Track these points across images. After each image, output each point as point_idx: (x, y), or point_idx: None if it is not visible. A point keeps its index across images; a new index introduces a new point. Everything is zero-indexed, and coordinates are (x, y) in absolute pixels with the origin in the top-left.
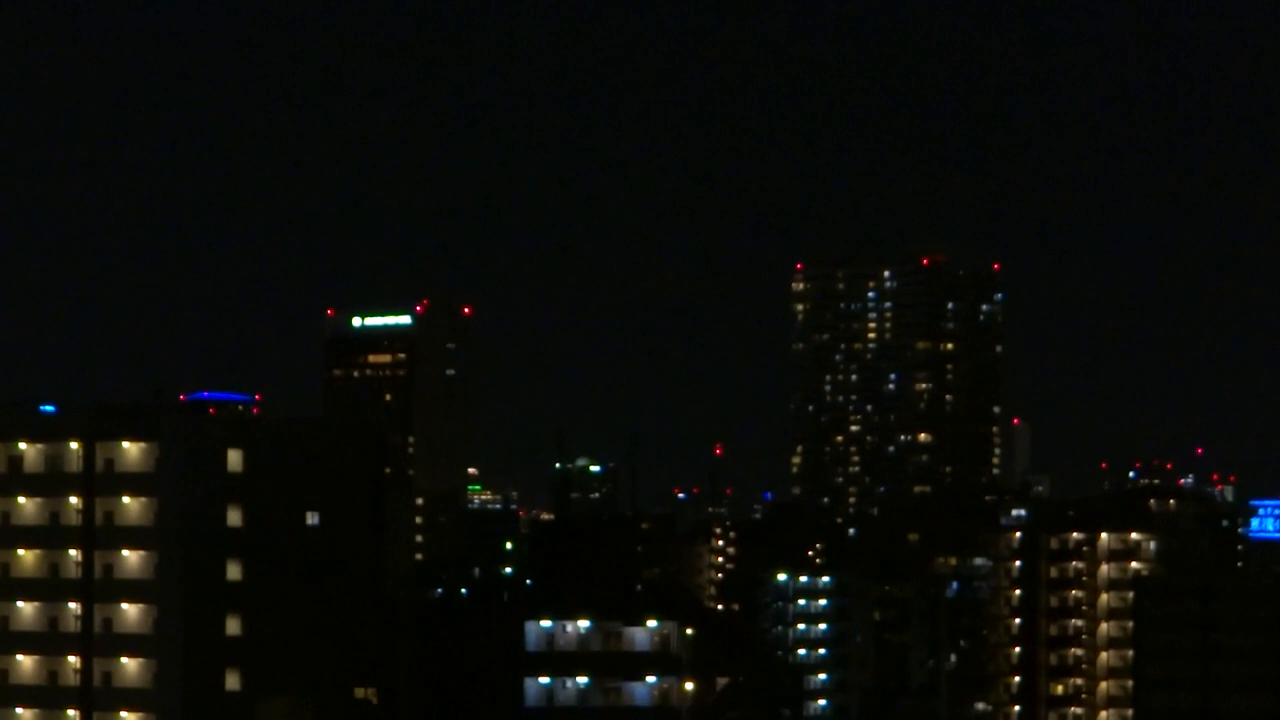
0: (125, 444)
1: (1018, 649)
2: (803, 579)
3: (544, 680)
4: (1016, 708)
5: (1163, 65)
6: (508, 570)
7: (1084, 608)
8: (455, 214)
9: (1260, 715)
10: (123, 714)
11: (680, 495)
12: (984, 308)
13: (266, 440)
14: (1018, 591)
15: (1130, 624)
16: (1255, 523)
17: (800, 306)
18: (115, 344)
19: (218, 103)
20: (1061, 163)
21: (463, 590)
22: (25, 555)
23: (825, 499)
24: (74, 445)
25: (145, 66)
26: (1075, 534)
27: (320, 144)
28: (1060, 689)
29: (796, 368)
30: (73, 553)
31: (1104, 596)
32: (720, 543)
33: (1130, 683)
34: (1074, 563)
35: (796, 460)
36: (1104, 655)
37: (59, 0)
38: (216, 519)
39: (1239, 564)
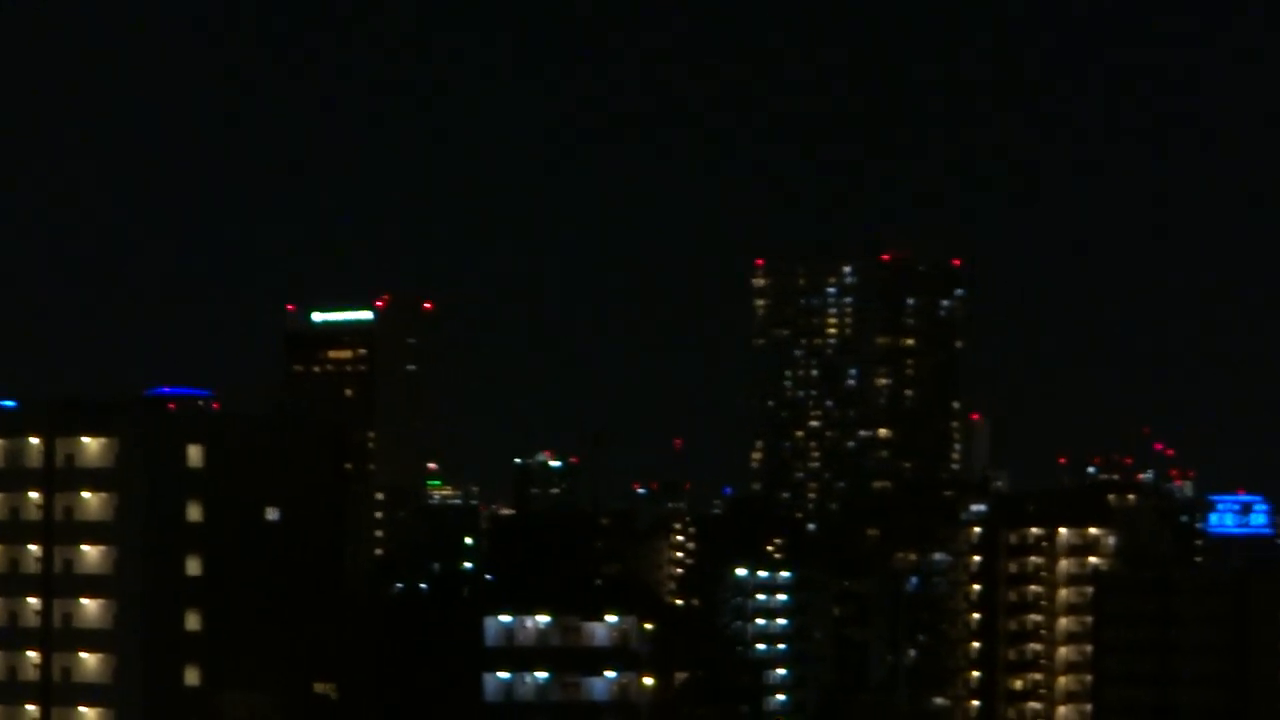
0: (85, 439)
1: (977, 644)
2: (762, 574)
3: (503, 675)
4: (975, 703)
5: (1122, 58)
6: (468, 565)
7: (1043, 603)
8: (416, 209)
9: (1218, 710)
10: (82, 709)
11: (640, 490)
12: (944, 303)
13: (227, 436)
14: (977, 586)
15: (1089, 619)
16: (1214, 518)
17: (760, 302)
18: (76, 339)
19: (176, 96)
20: (1023, 158)
21: (423, 585)
22: None
23: (785, 494)
24: (34, 440)
25: (99, 57)
26: (1034, 529)
27: (281, 139)
28: (1019, 684)
29: (756, 363)
30: (32, 548)
31: (1063, 591)
32: (680, 538)
33: (1089, 677)
34: (1033, 558)
35: (756, 455)
36: (1062, 650)
37: None
38: (177, 514)
39: (1197, 559)
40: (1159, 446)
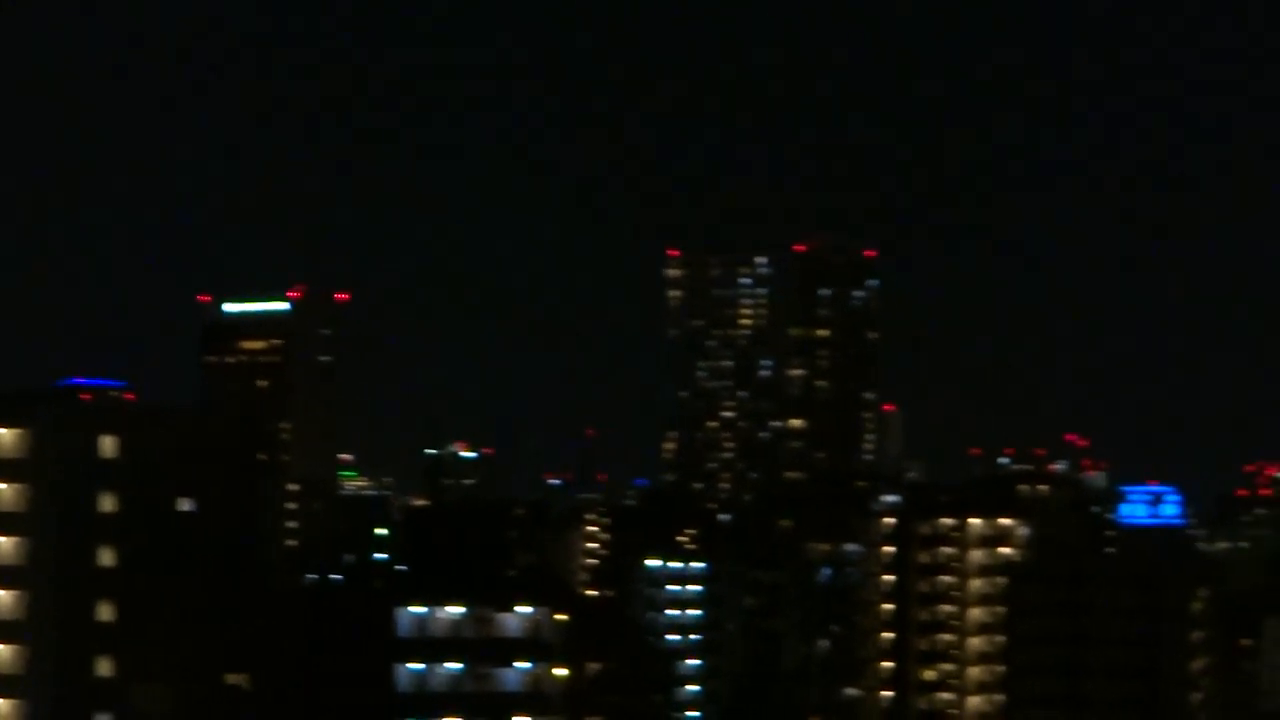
0: None
1: (889, 635)
2: (675, 565)
3: (416, 666)
4: (888, 693)
5: (1032, 50)
6: (381, 556)
7: (955, 593)
8: (329, 200)
9: (1129, 701)
10: None
11: (553, 481)
12: (857, 294)
13: (141, 427)
14: (889, 577)
15: (1001, 609)
16: (1125, 508)
17: (674, 293)
18: None
19: (89, 86)
20: (935, 149)
21: (336, 576)
22: None
23: (698, 485)
24: None
25: (9, 45)
26: (946, 520)
27: (196, 129)
28: (931, 674)
29: (670, 354)
30: None
31: (975, 582)
32: (593, 529)
33: (1001, 668)
34: (945, 548)
35: (670, 446)
36: (974, 641)
37: None
38: (90, 505)
39: (1109, 550)
40: (1071, 437)
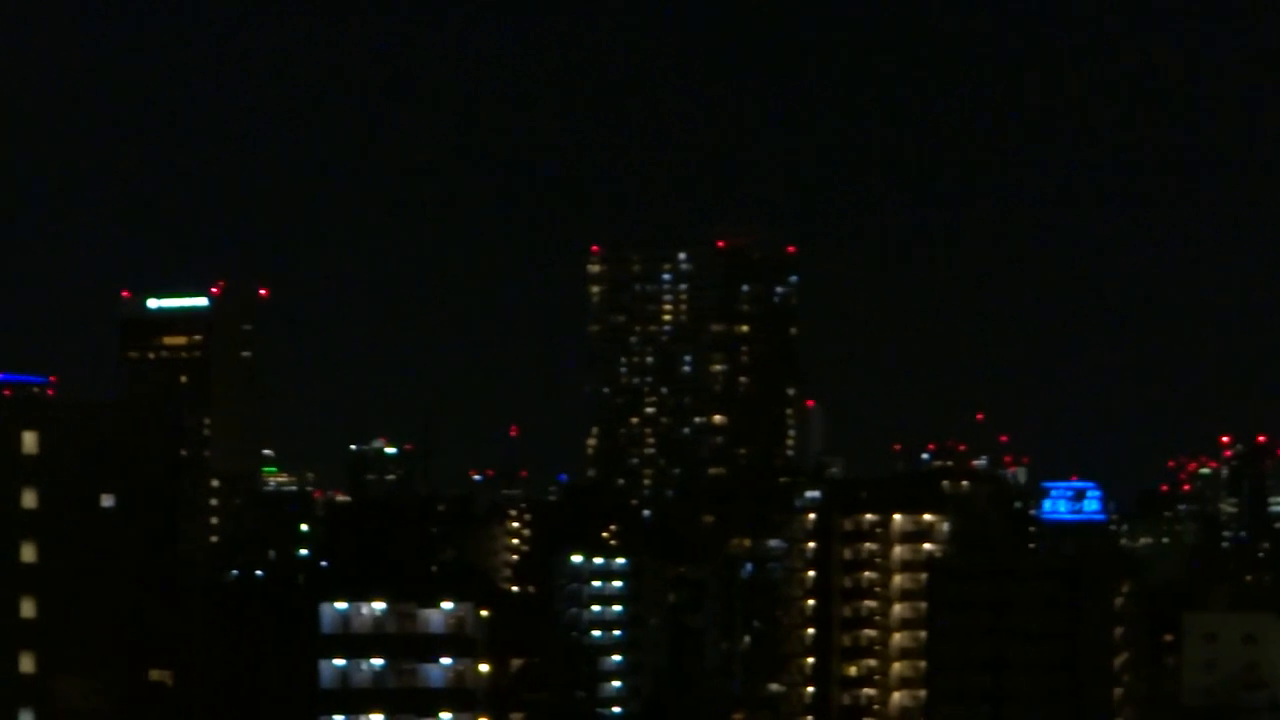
0: None
1: (812, 630)
2: (597, 561)
3: (339, 662)
4: (810, 689)
5: (949, 46)
6: (303, 552)
7: (877, 589)
8: (250, 195)
9: (1051, 695)
10: None
11: (476, 477)
12: (778, 290)
13: (61, 422)
14: (811, 573)
15: (923, 605)
16: (1047, 504)
17: (596, 289)
18: None
19: (9, 81)
20: (854, 145)
21: (258, 572)
22: None
23: (620, 481)
24: None
25: None
26: (869, 515)
27: (115, 124)
28: (854, 670)
29: (592, 350)
30: None
31: (897, 578)
32: (516, 525)
33: (923, 663)
34: (867, 544)
35: (592, 442)
36: (897, 636)
37: None
38: (10, 501)
39: (1031, 545)
40: (995, 434)
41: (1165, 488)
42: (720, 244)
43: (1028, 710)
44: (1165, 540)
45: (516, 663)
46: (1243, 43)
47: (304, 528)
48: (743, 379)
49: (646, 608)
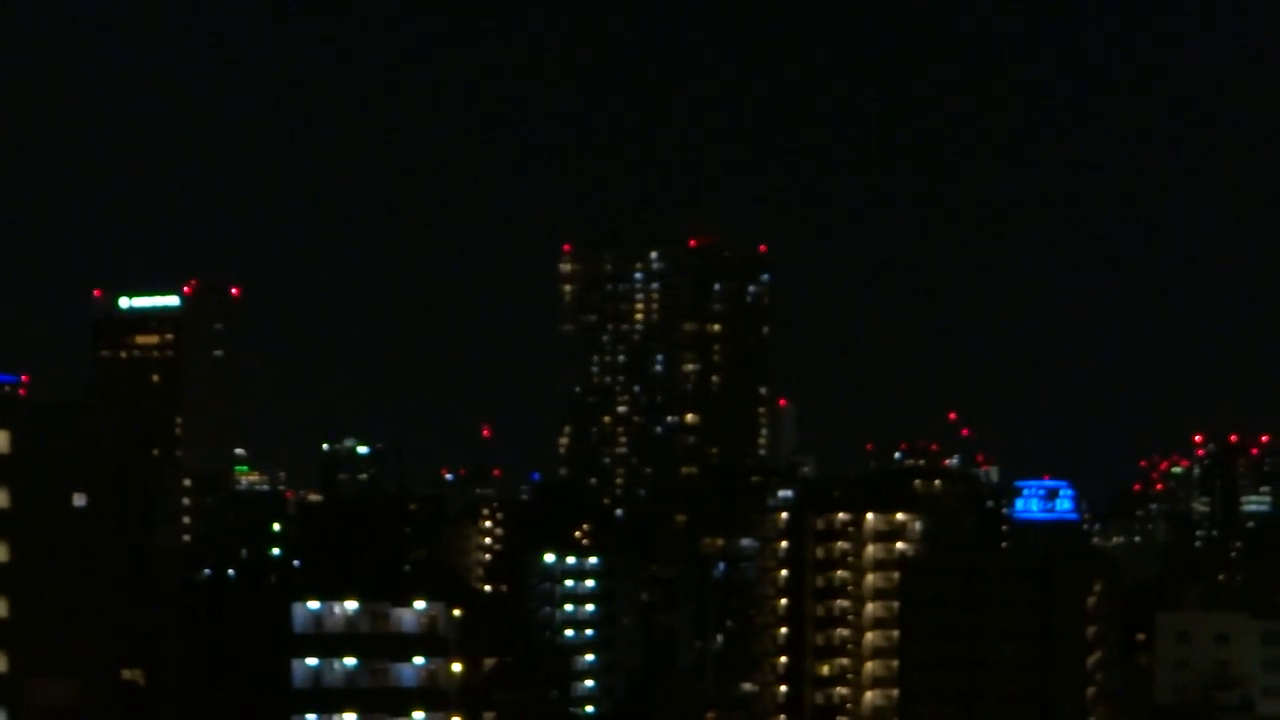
0: None
1: (784, 629)
2: (570, 560)
3: (311, 661)
4: (783, 688)
5: (927, 50)
6: (275, 551)
7: (850, 588)
8: (223, 194)
9: (1023, 694)
10: None
11: (448, 476)
12: (751, 289)
13: (33, 421)
14: (784, 572)
15: (896, 604)
16: (1019, 503)
17: (568, 287)
18: None
19: None
20: (827, 145)
21: (230, 571)
22: None
23: (593, 480)
24: None
25: None
26: (841, 515)
27: (86, 123)
28: (826, 669)
29: (564, 349)
30: None
31: (870, 577)
32: (488, 524)
33: (896, 662)
34: (840, 543)
35: (564, 441)
36: (870, 635)
37: None
38: None
39: (1003, 544)
40: (965, 432)
41: (1138, 487)
42: (692, 243)
43: (1000, 709)
44: (1138, 539)
45: (489, 662)
46: (1229, 44)
47: (276, 527)
48: (715, 378)
49: (619, 607)
